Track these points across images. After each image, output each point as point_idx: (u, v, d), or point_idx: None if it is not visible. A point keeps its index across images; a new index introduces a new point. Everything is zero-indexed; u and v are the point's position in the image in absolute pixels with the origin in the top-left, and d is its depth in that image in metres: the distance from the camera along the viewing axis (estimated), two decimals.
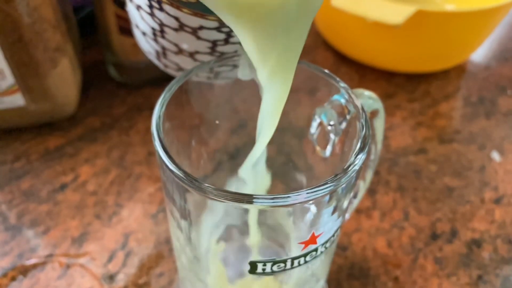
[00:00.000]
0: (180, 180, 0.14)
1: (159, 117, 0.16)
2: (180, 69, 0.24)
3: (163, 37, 0.21)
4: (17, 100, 0.31)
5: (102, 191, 0.31)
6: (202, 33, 0.19)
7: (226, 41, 0.20)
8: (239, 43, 0.20)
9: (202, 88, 0.20)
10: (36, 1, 0.28)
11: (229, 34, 0.19)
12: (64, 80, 0.33)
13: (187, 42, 0.20)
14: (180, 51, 0.22)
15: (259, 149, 0.17)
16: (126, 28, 0.34)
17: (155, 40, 0.22)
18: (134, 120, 0.36)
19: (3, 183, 0.31)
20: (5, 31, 0.28)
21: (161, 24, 0.20)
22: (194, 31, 0.19)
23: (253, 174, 0.19)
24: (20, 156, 0.33)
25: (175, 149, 0.20)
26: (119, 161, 0.33)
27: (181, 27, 0.19)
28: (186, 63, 0.23)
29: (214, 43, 0.20)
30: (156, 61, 0.25)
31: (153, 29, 0.21)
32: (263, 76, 0.15)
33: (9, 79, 0.30)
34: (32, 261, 0.27)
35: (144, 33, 0.22)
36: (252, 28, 0.14)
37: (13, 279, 0.26)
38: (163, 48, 0.22)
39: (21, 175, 0.32)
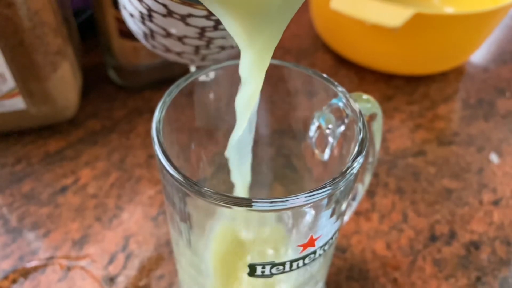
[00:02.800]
0: (179, 184, 0.14)
1: (159, 121, 0.17)
2: (168, 50, 0.24)
3: (151, 21, 0.21)
4: (18, 103, 0.31)
5: (102, 194, 0.31)
6: (191, 20, 0.19)
7: (215, 28, 0.20)
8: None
9: (201, 91, 0.20)
10: (37, 5, 0.28)
11: (218, 21, 0.19)
12: (65, 83, 0.33)
13: (175, 27, 0.20)
14: (168, 35, 0.21)
15: (239, 128, 0.17)
16: (126, 31, 0.35)
17: (143, 23, 0.22)
18: (134, 123, 0.37)
19: (4, 186, 0.31)
20: (6, 35, 0.28)
21: (149, 9, 0.20)
22: (183, 18, 0.19)
23: (237, 158, 0.19)
24: (21, 159, 0.33)
25: (175, 152, 0.20)
26: (119, 164, 0.33)
27: (170, 13, 0.19)
28: (174, 45, 0.23)
29: (203, 29, 0.20)
30: (143, 41, 0.25)
31: (141, 13, 0.21)
32: (248, 55, 0.15)
33: (10, 83, 0.30)
34: (33, 263, 0.27)
35: (131, 15, 0.22)
36: (240, 15, 0.14)
37: (14, 281, 0.26)
38: (151, 31, 0.22)
39: (22, 178, 0.32)
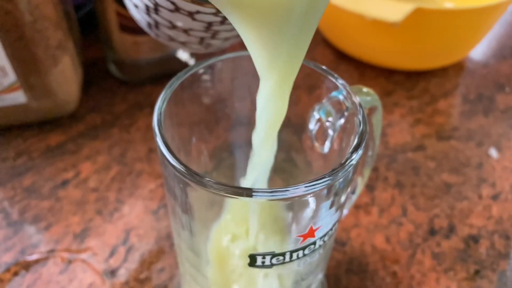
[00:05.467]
0: (181, 174, 0.15)
1: (160, 113, 0.17)
2: (172, 39, 0.24)
3: (156, 14, 0.21)
4: (19, 97, 0.31)
5: (103, 188, 0.31)
6: (199, 16, 0.19)
7: (222, 23, 0.20)
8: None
9: (202, 85, 0.20)
10: None
11: (225, 17, 0.19)
12: (65, 77, 0.33)
13: (181, 21, 0.20)
14: (173, 27, 0.21)
15: (256, 167, 0.17)
16: (126, 26, 0.35)
17: (148, 15, 0.21)
18: (134, 117, 0.37)
19: (5, 179, 0.31)
20: (7, 29, 0.28)
21: (156, 4, 0.20)
22: (190, 14, 0.19)
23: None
24: (22, 153, 0.33)
25: (176, 146, 0.20)
26: (120, 158, 0.33)
27: (177, 9, 0.19)
28: (179, 36, 0.23)
29: (210, 24, 0.20)
30: (147, 29, 0.24)
31: (147, 6, 0.20)
32: (268, 86, 0.15)
33: (11, 77, 0.30)
34: (34, 256, 0.27)
35: (136, 6, 0.22)
36: (259, 27, 0.13)
37: (16, 274, 0.26)
38: (156, 22, 0.22)
39: (23, 171, 0.32)
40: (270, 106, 0.15)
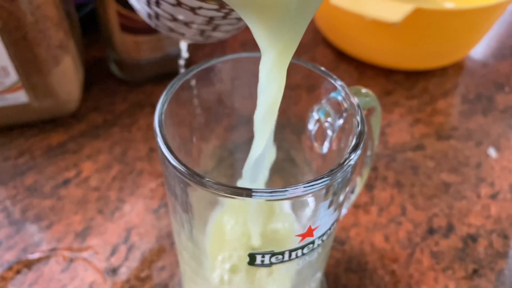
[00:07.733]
0: (181, 174, 0.15)
1: (162, 114, 0.17)
2: (172, 30, 0.24)
3: (157, 6, 0.21)
4: (21, 97, 0.32)
5: (104, 187, 0.31)
6: (201, 11, 0.19)
7: (224, 17, 0.20)
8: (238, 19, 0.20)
9: (203, 85, 0.21)
10: None
11: (228, 13, 0.19)
12: (67, 77, 0.33)
13: (183, 15, 0.20)
14: (174, 20, 0.21)
15: (258, 146, 0.17)
16: (128, 25, 0.35)
17: (149, 6, 0.21)
18: (135, 116, 0.37)
19: (7, 179, 0.32)
20: (9, 29, 0.28)
21: None
22: (192, 9, 0.19)
23: (253, 174, 0.19)
24: (24, 152, 0.34)
25: (177, 145, 0.20)
26: (121, 157, 0.33)
27: (179, 4, 0.19)
28: (179, 28, 0.22)
29: (212, 18, 0.20)
30: (146, 19, 0.24)
31: None
32: (269, 59, 0.15)
33: (13, 76, 0.30)
34: (36, 255, 0.27)
35: None
36: (262, 13, 0.14)
37: (18, 272, 0.26)
38: (156, 13, 0.22)
39: (25, 171, 0.32)
40: (271, 77, 0.16)
